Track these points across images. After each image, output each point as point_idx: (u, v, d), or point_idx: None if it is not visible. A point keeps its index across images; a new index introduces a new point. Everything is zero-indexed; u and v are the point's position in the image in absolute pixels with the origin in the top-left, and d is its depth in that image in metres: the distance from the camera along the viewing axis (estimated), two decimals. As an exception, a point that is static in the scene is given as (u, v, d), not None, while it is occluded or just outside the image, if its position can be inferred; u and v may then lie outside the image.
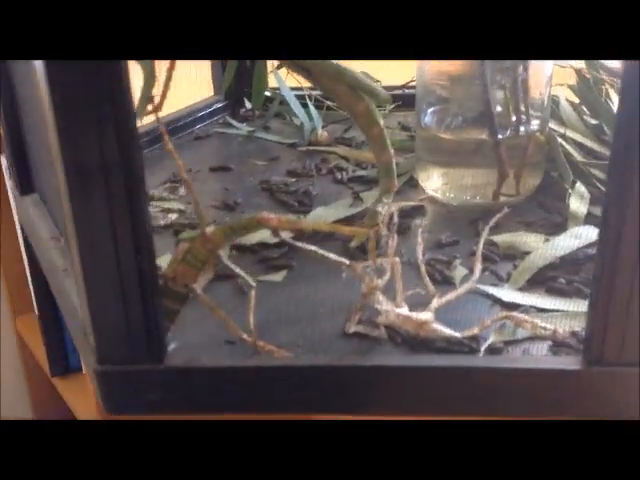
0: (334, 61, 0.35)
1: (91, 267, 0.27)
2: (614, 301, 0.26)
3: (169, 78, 0.32)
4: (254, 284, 0.30)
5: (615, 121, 0.24)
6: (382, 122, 0.38)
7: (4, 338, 1.11)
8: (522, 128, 0.42)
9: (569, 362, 0.28)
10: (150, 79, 0.34)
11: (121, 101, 0.24)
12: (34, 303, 0.98)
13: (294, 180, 0.47)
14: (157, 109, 0.34)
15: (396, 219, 0.30)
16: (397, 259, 0.30)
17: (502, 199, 0.42)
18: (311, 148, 0.52)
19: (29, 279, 0.98)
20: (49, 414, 1.12)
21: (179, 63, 0.33)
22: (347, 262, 0.29)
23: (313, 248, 0.29)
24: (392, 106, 0.57)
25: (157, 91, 0.34)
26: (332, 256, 0.29)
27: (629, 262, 0.25)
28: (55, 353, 0.97)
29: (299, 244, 0.29)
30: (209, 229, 0.28)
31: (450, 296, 0.32)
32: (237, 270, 0.29)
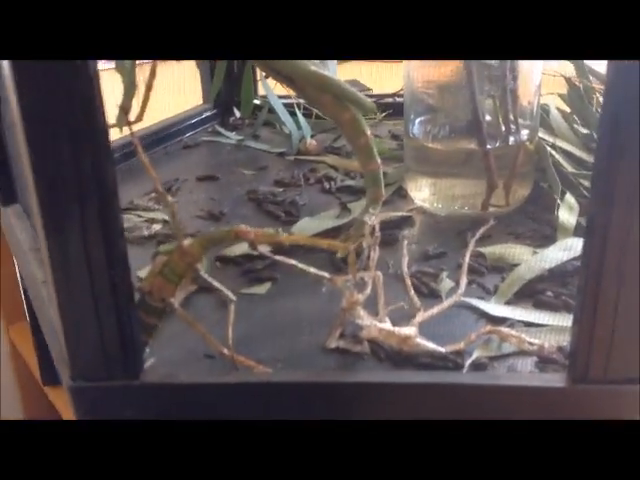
0: (318, 70, 0.34)
1: (64, 281, 0.26)
2: (599, 317, 0.25)
3: (149, 87, 0.32)
4: (234, 298, 0.29)
5: (598, 127, 0.23)
6: (369, 131, 0.37)
7: (-4, 346, 1.10)
8: (511, 138, 0.41)
9: (554, 379, 0.27)
10: (130, 88, 0.34)
11: (92, 112, 0.23)
12: (26, 312, 0.97)
13: (281, 190, 0.47)
14: (138, 119, 0.33)
15: (378, 232, 0.30)
16: (379, 273, 0.29)
17: (491, 210, 0.41)
18: (299, 157, 0.51)
19: (21, 288, 0.97)
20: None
21: (167, 71, 0.33)
22: (327, 276, 0.28)
23: (293, 262, 0.28)
24: (383, 115, 0.56)
25: (138, 101, 0.33)
26: (312, 270, 0.28)
27: (614, 276, 0.25)
28: (47, 362, 0.96)
29: (278, 258, 0.28)
30: (187, 242, 0.28)
31: (435, 310, 0.32)
32: (216, 284, 0.29)
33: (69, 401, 0.29)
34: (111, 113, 0.30)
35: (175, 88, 0.55)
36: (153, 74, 0.31)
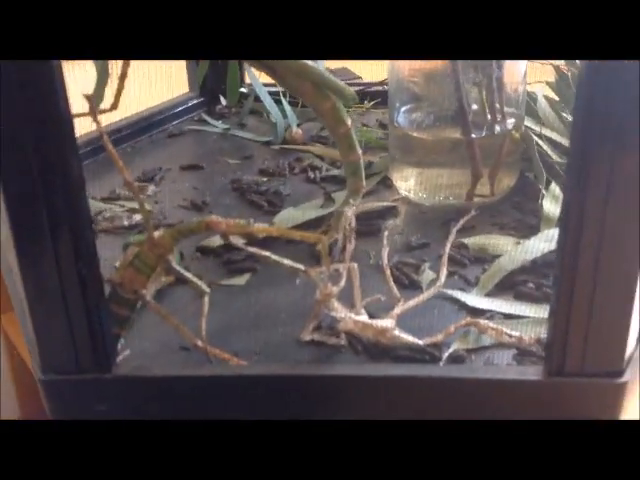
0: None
1: (30, 273, 0.26)
2: (574, 309, 0.25)
3: (124, 75, 0.31)
4: (207, 290, 0.29)
5: (572, 121, 0.23)
6: (349, 121, 0.36)
7: (-11, 336, 1.10)
8: (497, 127, 0.41)
9: (530, 372, 0.27)
10: (103, 76, 0.33)
11: (55, 102, 0.23)
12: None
13: (266, 180, 0.46)
14: (113, 107, 0.33)
15: (354, 223, 0.29)
16: (354, 264, 0.28)
17: (476, 200, 0.41)
18: (285, 147, 0.51)
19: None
20: (37, 414, 1.11)
21: (152, 65, 0.32)
22: (302, 268, 0.28)
23: (266, 254, 0.28)
24: (371, 103, 0.56)
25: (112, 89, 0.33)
26: (287, 262, 0.28)
27: (589, 267, 0.24)
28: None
29: (252, 249, 0.27)
30: (157, 233, 0.27)
31: (413, 302, 0.31)
32: (188, 276, 0.28)
33: (41, 394, 0.29)
34: (82, 102, 0.29)
35: (160, 76, 0.54)
36: (127, 62, 0.31)
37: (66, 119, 0.23)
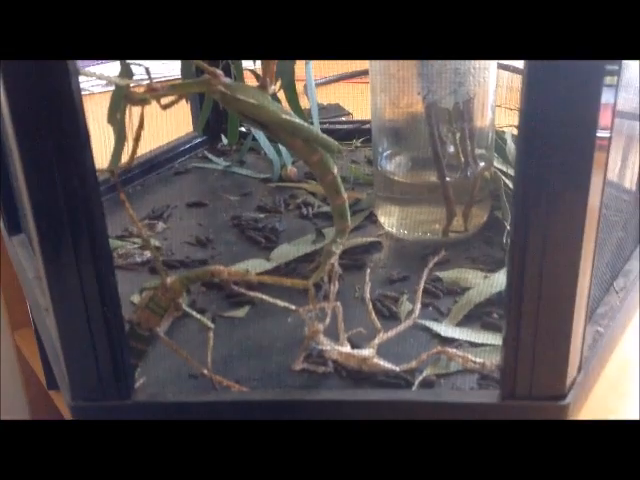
0: (289, 117, 0.39)
1: (62, 317, 0.30)
2: (522, 337, 0.29)
3: (138, 137, 0.36)
4: (212, 326, 0.33)
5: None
6: (335, 170, 0.41)
7: (3, 351, 1.14)
8: (469, 171, 0.45)
9: (487, 396, 0.31)
10: (120, 139, 0.38)
11: (82, 155, 0.27)
12: (30, 316, 1.02)
13: (263, 216, 0.51)
14: (128, 164, 0.37)
15: (337, 268, 0.34)
16: (338, 303, 0.33)
17: (452, 235, 0.46)
18: (281, 184, 0.56)
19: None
20: (44, 416, 1.16)
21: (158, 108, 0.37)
22: (293, 308, 0.32)
23: (263, 297, 0.32)
24: (360, 140, 0.61)
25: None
26: (280, 303, 0.32)
27: (533, 297, 0.28)
28: (52, 368, 1.00)
29: (252, 293, 0.32)
30: (169, 279, 0.32)
31: (391, 333, 0.36)
32: (195, 314, 0.33)
33: (71, 418, 0.33)
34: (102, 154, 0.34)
35: (167, 118, 0.59)
36: (141, 125, 0.36)
37: (91, 169, 0.28)
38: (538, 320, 0.29)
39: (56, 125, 0.26)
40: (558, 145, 0.26)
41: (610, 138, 0.27)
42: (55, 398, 1.04)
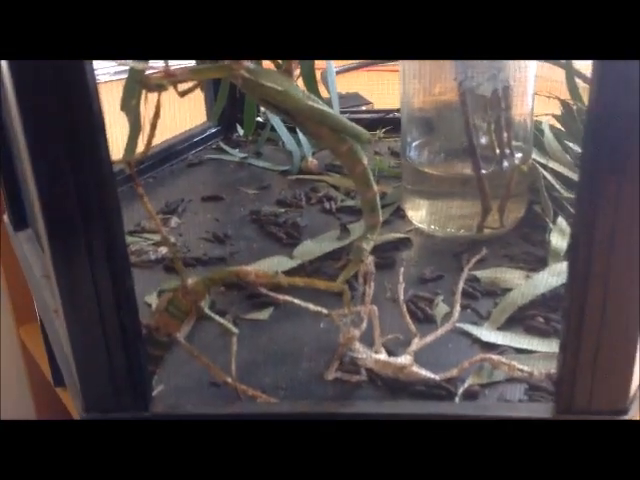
0: (315, 105, 0.36)
1: (74, 320, 0.27)
2: (583, 347, 0.26)
3: (154, 127, 0.33)
4: (236, 331, 0.31)
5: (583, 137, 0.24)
6: (365, 160, 0.38)
7: (8, 347, 1.12)
8: (505, 162, 0.42)
9: (540, 410, 0.28)
10: (135, 128, 0.35)
11: (97, 152, 0.24)
12: (37, 313, 0.99)
13: (283, 211, 0.48)
14: (143, 153, 0.35)
15: (373, 269, 0.31)
16: (374, 307, 0.30)
17: (486, 232, 0.43)
18: (300, 177, 0.53)
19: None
20: (50, 415, 1.14)
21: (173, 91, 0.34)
22: (325, 312, 0.30)
23: (292, 300, 0.29)
24: (383, 131, 0.58)
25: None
26: (311, 306, 0.29)
27: (598, 303, 0.26)
28: (58, 364, 0.98)
29: (280, 297, 0.29)
30: (190, 281, 0.29)
31: (429, 338, 0.33)
32: (218, 319, 0.30)
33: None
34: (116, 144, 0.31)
35: (179, 106, 0.56)
36: (157, 113, 0.33)
37: (106, 161, 0.25)
38: (602, 326, 0.26)
39: (67, 111, 0.24)
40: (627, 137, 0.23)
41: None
42: (62, 395, 1.01)
